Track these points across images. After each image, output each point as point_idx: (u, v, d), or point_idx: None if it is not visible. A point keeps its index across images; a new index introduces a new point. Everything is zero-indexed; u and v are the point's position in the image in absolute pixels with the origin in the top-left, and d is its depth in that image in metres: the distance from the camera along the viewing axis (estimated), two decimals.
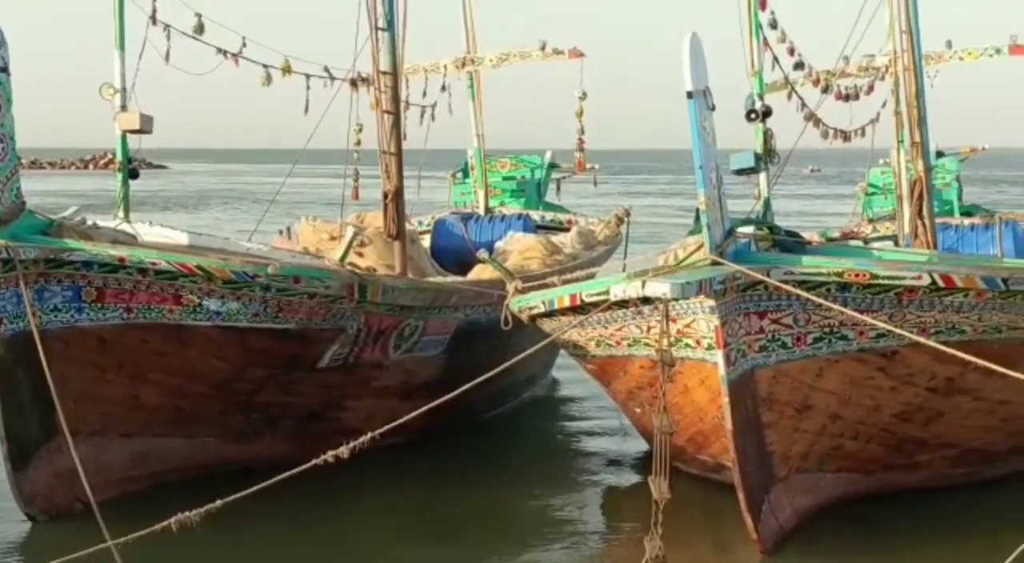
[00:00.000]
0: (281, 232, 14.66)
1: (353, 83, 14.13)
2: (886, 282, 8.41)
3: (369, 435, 7.21)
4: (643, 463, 10.42)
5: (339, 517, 9.48)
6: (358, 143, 14.72)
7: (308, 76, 14.21)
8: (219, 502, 6.96)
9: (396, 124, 12.16)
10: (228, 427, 10.22)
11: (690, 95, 7.99)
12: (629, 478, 10.76)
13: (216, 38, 12.64)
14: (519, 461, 11.63)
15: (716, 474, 9.41)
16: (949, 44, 16.69)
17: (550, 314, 9.43)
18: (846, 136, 13.11)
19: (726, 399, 8.22)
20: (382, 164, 12.08)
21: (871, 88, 14.09)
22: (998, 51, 16.43)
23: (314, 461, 7.11)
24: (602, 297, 8.56)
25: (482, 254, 10.71)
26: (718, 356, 8.18)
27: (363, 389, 10.75)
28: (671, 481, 7.91)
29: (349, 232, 10.80)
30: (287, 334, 9.82)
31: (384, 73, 11.99)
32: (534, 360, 12.13)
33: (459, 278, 12.73)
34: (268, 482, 7.19)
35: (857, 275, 8.35)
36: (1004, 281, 8.75)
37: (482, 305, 11.42)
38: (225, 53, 12.90)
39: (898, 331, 8.31)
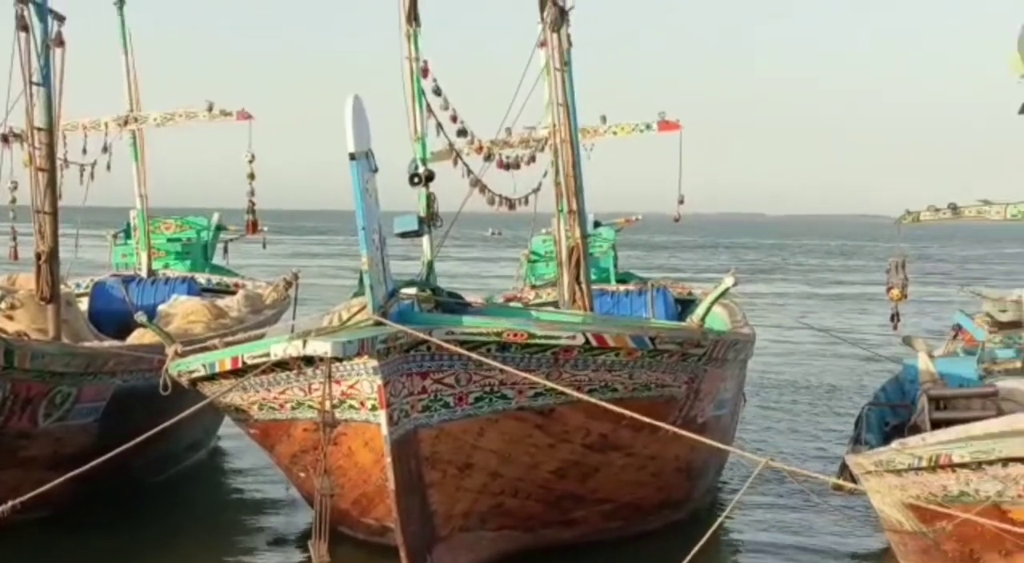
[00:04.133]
0: None
1: (4, 139, 13.48)
2: (543, 341, 8.69)
3: (9, 504, 6.79)
4: (308, 529, 10.26)
5: None
6: (13, 201, 13.99)
7: None
8: None
9: (51, 182, 11.66)
10: None
11: (352, 157, 8.05)
12: (292, 544, 10.57)
13: None
14: (180, 528, 11.21)
15: (381, 537, 9.37)
16: (604, 119, 17.56)
17: (212, 378, 9.21)
18: (511, 203, 13.48)
19: (389, 459, 8.25)
20: (36, 223, 11.54)
21: (532, 158, 14.58)
22: (648, 127, 17.45)
23: None
24: (263, 359, 8.44)
25: (139, 317, 10.35)
26: (381, 416, 8.20)
27: (8, 460, 10.10)
28: (334, 546, 7.84)
29: None
30: None
31: (39, 129, 11.50)
32: (196, 426, 11.80)
33: (116, 342, 12.25)
34: None
35: (515, 335, 8.58)
36: (652, 340, 9.23)
37: (141, 370, 11.03)
38: None
39: (555, 386, 8.57)
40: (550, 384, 8.57)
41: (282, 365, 8.46)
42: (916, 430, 9.84)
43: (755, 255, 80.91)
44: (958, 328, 15.14)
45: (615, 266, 18.97)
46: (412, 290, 9.20)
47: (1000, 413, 9.34)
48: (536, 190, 14.82)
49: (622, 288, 17.39)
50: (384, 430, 8.20)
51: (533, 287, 17.95)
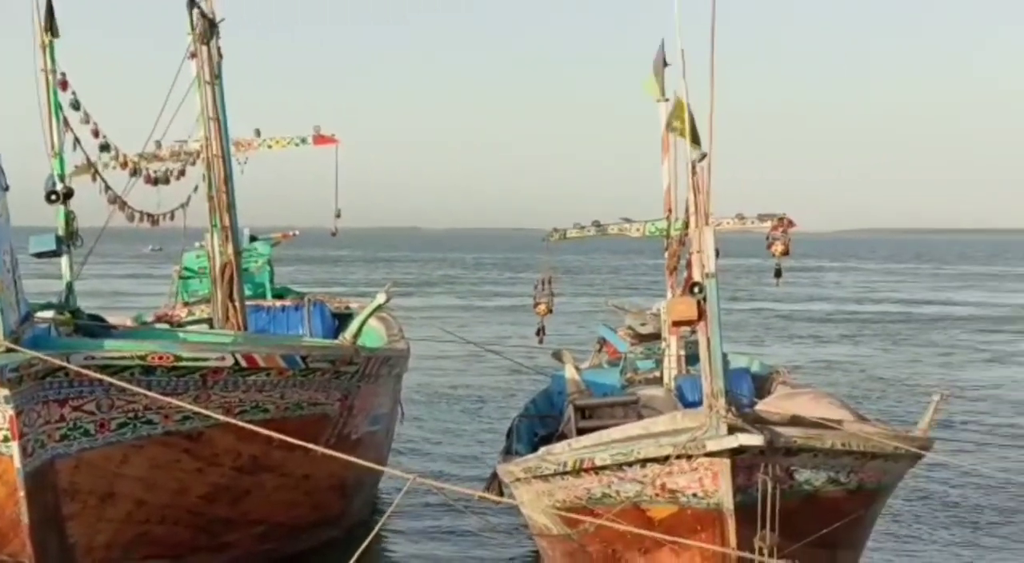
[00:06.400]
0: None
1: None
2: (190, 364, 8.45)
3: None
4: None
5: None
6: None
7: None
8: None
9: None
10: None
11: None
12: None
13: None
14: None
15: None
16: (258, 132, 17.34)
17: None
18: (154, 219, 13.06)
19: (22, 493, 7.83)
20: None
21: (182, 172, 14.19)
22: (304, 140, 17.36)
23: None
24: None
25: None
26: (14, 448, 7.76)
27: None
28: None
29: None
30: None
31: None
32: None
33: None
34: None
35: (161, 358, 8.31)
36: (303, 359, 9.16)
37: None
38: None
39: (201, 410, 8.35)
40: (196, 408, 8.35)
41: None
42: (564, 438, 10.20)
43: (415, 269, 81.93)
44: (603, 341, 15.87)
45: (271, 281, 18.73)
46: (49, 313, 8.75)
47: (641, 419, 9.82)
48: (184, 205, 14.44)
49: (278, 303, 17.19)
50: (17, 463, 7.78)
51: (186, 304, 17.42)
